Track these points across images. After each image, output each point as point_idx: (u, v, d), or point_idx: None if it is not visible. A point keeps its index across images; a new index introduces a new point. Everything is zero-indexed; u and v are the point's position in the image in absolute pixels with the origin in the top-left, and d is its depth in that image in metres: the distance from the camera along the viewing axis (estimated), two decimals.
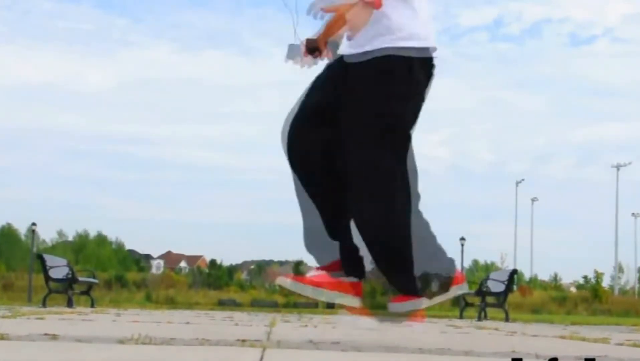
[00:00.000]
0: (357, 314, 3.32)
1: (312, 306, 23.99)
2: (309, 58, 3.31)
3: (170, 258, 66.41)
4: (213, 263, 53.30)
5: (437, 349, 3.03)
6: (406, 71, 3.10)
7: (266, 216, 72.86)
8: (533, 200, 51.71)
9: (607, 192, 61.27)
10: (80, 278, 13.40)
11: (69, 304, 12.21)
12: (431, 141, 74.07)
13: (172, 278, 47.69)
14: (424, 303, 3.20)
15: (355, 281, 3.28)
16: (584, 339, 4.63)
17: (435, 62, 3.18)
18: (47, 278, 12.78)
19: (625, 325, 11.85)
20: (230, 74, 70.11)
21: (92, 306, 12.81)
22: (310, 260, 3.58)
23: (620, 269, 50.40)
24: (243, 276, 56.31)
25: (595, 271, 43.22)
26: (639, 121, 74.05)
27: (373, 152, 3.06)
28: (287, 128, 3.28)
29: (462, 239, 31.66)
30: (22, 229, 50.22)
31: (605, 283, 46.47)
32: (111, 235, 57.84)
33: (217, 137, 70.83)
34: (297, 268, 37.64)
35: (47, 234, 53.91)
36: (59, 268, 12.89)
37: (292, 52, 3.34)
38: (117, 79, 69.66)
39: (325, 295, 3.21)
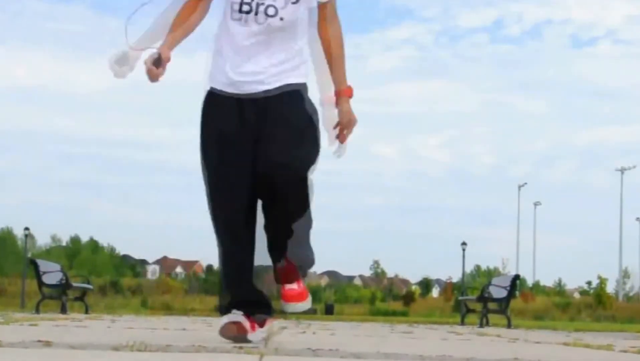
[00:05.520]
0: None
1: (310, 312, 23.98)
2: (126, 69, 3.42)
3: (166, 264, 66.47)
4: (209, 268, 53.28)
5: (437, 356, 3.00)
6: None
7: (263, 220, 72.82)
8: (536, 204, 51.65)
9: (611, 196, 61.15)
10: (74, 284, 13.35)
11: (63, 310, 12.14)
12: (432, 144, 74.11)
13: (168, 283, 47.75)
14: None
15: None
16: (587, 346, 4.60)
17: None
18: (41, 284, 12.72)
19: (629, 332, 11.86)
20: None
21: (87, 312, 12.74)
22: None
23: (625, 274, 50.28)
24: None
25: (599, 277, 43.01)
26: None
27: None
28: None
29: (464, 244, 31.67)
30: (15, 233, 50.21)
31: (610, 288, 46.31)
32: (106, 240, 57.85)
33: None
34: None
35: (41, 239, 53.87)
36: (52, 273, 12.83)
37: (122, 59, 3.42)
38: (110, 81, 69.68)
39: None
